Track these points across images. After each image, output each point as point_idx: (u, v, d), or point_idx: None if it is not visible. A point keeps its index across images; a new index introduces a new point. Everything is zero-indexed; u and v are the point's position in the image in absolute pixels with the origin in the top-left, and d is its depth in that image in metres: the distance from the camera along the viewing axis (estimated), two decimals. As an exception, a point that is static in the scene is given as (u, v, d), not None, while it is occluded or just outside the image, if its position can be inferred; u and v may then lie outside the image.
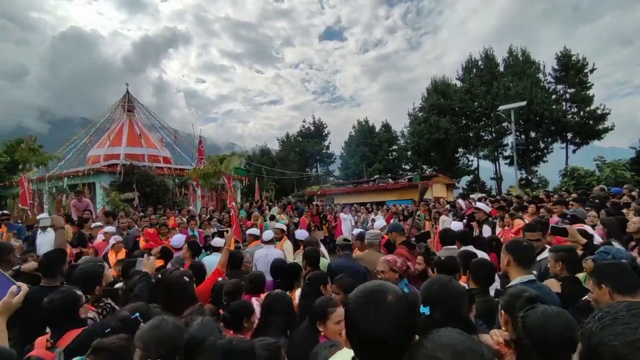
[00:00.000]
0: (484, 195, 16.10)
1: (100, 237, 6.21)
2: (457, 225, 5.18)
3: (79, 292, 2.18)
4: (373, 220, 9.63)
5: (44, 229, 5.49)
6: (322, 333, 2.09)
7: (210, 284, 3.28)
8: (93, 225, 6.90)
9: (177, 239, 5.20)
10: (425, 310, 1.37)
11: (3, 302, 1.60)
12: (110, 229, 6.21)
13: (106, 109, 19.85)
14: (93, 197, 13.22)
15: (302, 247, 4.55)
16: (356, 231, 5.34)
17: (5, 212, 8.03)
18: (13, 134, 27.99)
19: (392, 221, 10.15)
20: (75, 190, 10.26)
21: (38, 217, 5.92)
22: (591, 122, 27.94)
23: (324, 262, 4.03)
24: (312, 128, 43.77)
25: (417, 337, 0.91)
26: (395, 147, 39.36)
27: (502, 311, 1.64)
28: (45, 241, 5.25)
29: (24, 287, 1.67)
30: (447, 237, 4.20)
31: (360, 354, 0.95)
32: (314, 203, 14.37)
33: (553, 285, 2.51)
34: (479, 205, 6.84)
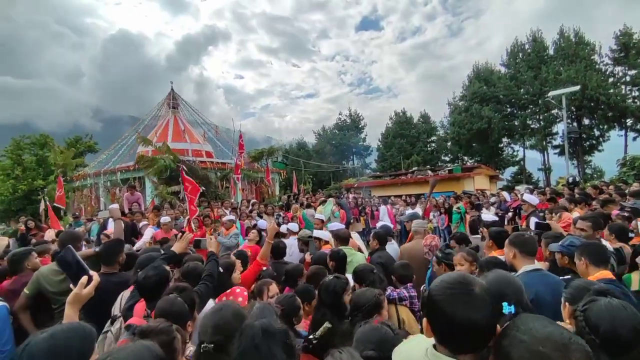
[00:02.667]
0: (529, 187, 15.27)
1: (148, 233, 6.33)
2: (489, 217, 4.98)
3: (169, 268, 2.50)
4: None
5: (113, 218, 5.98)
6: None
7: (252, 274, 3.41)
8: (140, 224, 7.08)
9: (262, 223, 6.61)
10: (511, 309, 1.28)
11: (73, 293, 1.61)
12: (166, 219, 6.52)
13: (151, 106, 20.92)
14: (143, 190, 14.06)
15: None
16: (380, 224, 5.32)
17: (76, 214, 8.92)
18: (70, 132, 30.37)
19: (430, 215, 9.99)
20: (129, 184, 11.00)
21: (109, 207, 6.48)
22: (655, 106, 25.50)
23: (359, 256, 4.00)
24: (349, 120, 43.49)
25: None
26: (434, 138, 38.13)
27: (567, 304, 1.56)
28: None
29: (96, 277, 1.68)
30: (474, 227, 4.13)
31: (449, 341, 1.02)
32: (350, 196, 14.34)
33: None
34: (526, 197, 6.52)
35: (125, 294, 2.66)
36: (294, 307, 2.24)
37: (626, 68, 26.85)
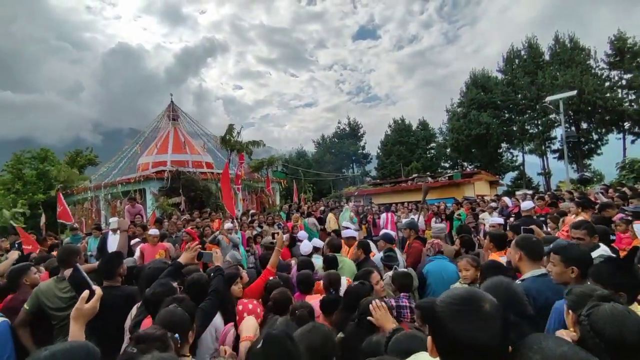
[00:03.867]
0: (528, 192, 15.25)
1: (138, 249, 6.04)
2: (496, 220, 5.00)
3: (175, 284, 2.54)
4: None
5: (114, 231, 5.95)
6: None
7: (262, 283, 3.42)
8: (132, 242, 6.53)
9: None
10: None
11: (75, 309, 1.58)
12: (154, 231, 6.22)
13: (151, 118, 21.05)
14: (144, 202, 14.06)
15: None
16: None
17: (75, 226, 8.91)
18: (70, 146, 30.47)
19: (432, 221, 9.97)
20: (129, 197, 11.01)
21: (109, 221, 6.42)
22: (652, 109, 25.61)
23: (348, 262, 4.15)
24: (347, 129, 43.66)
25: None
26: (433, 144, 38.26)
27: (570, 311, 1.56)
28: (114, 242, 5.64)
29: (98, 291, 1.65)
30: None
31: None
32: (351, 204, 14.34)
33: None
34: (523, 205, 6.58)
35: (136, 307, 2.65)
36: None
37: (622, 72, 27.08)
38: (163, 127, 19.68)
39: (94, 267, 3.44)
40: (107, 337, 2.68)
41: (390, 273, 3.45)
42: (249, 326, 2.63)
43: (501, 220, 4.96)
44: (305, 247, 4.71)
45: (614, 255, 2.85)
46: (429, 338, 0.98)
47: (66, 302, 2.97)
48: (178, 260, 2.99)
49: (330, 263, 3.85)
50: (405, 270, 3.38)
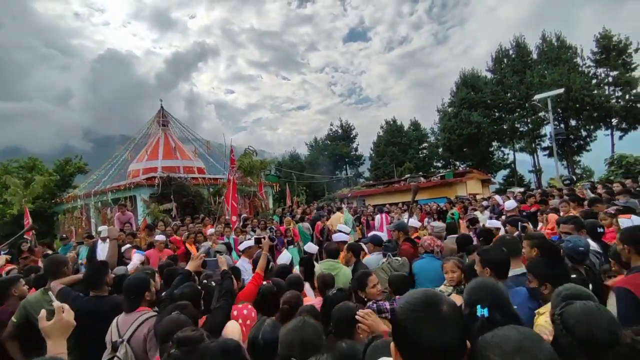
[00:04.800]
0: (520, 190, 15.40)
1: (136, 257, 5.88)
2: (494, 224, 4.99)
3: (199, 287, 2.73)
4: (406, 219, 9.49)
5: (104, 239, 5.88)
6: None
7: (255, 288, 3.41)
8: (123, 248, 6.37)
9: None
10: (483, 311, 1.38)
11: (53, 322, 1.53)
12: (161, 237, 6.49)
13: (143, 125, 20.86)
14: (134, 209, 13.90)
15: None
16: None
17: (64, 235, 8.78)
18: (61, 154, 30.06)
19: (425, 221, 9.99)
20: (119, 204, 10.86)
21: (99, 229, 6.34)
22: (638, 105, 26.01)
23: (344, 270, 4.05)
24: (340, 131, 43.76)
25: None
26: (425, 144, 38.55)
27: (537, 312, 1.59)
28: (104, 251, 5.58)
29: (66, 307, 1.59)
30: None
31: None
32: (343, 206, 14.34)
33: None
34: (506, 205, 6.70)
35: (121, 318, 2.58)
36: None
37: (608, 69, 27.50)
38: (153, 133, 19.51)
39: (79, 278, 3.37)
40: (93, 347, 2.64)
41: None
42: (233, 330, 2.61)
43: (499, 224, 4.96)
44: (283, 258, 4.56)
45: (600, 250, 2.91)
46: (392, 343, 0.98)
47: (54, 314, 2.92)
48: (186, 268, 3.15)
49: (307, 266, 3.91)
50: (403, 273, 3.36)
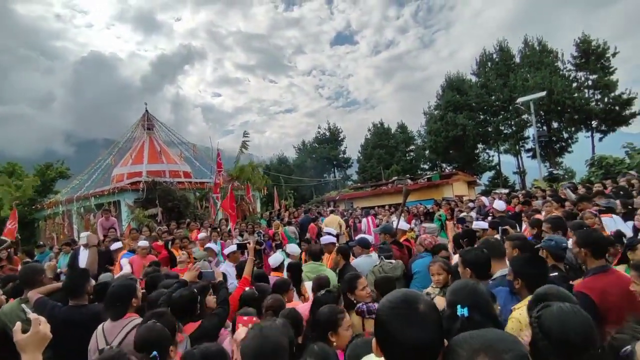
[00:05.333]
0: (504, 191, 15.65)
1: (125, 260, 5.97)
2: (481, 225, 5.03)
3: (196, 291, 2.76)
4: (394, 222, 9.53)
5: (85, 246, 5.71)
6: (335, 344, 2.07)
7: (238, 293, 3.41)
8: (113, 247, 6.56)
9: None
10: (463, 311, 1.42)
11: (30, 335, 1.47)
12: (143, 243, 6.26)
13: (127, 128, 20.49)
14: (119, 214, 13.62)
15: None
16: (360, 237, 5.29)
17: (41, 243, 8.49)
18: (42, 158, 29.31)
19: (412, 223, 10.06)
20: (103, 209, 10.61)
21: (81, 235, 6.16)
22: (617, 108, 26.79)
23: (329, 272, 4.08)
24: (328, 134, 43.83)
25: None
26: (412, 147, 38.93)
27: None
28: (85, 258, 5.43)
29: (42, 319, 1.53)
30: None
31: None
32: (329, 209, 14.35)
33: None
34: (495, 204, 6.84)
35: (107, 325, 2.50)
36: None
37: (587, 73, 28.26)
38: (138, 136, 19.18)
39: (57, 286, 3.26)
40: (72, 357, 2.55)
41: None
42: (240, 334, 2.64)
43: (485, 225, 5.01)
44: (274, 259, 4.55)
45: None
46: (374, 340, 1.03)
47: (31, 324, 2.81)
48: (183, 278, 3.24)
49: (294, 271, 3.93)
50: (390, 276, 3.37)
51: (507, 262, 2.71)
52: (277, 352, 1.45)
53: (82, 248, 5.99)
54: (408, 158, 37.94)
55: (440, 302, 2.51)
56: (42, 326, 1.51)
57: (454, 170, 27.90)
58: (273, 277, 4.35)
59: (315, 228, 9.79)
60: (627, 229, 3.91)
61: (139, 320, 2.48)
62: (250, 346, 1.44)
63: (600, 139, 28.57)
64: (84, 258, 5.69)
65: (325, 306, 2.29)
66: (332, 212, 11.61)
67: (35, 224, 18.09)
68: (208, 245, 6.56)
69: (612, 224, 3.95)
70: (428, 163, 37.28)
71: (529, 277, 2.11)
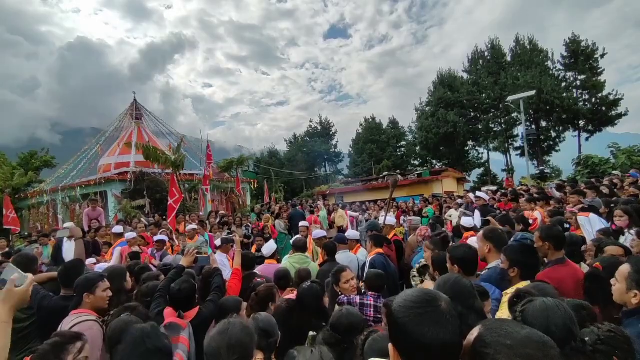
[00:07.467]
0: (492, 188, 15.83)
1: (118, 249, 5.87)
2: (468, 221, 5.06)
3: (195, 282, 2.81)
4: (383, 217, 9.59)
5: (70, 238, 5.58)
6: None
7: (237, 283, 3.51)
8: (114, 230, 6.77)
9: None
10: None
11: (5, 290, 1.52)
12: (131, 235, 6.22)
13: (115, 117, 20.07)
14: (105, 205, 13.39)
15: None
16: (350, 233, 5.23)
17: (26, 233, 8.29)
18: (27, 147, 28.59)
19: (401, 218, 10.11)
20: (90, 199, 10.38)
21: (64, 226, 6.04)
22: (603, 108, 27.34)
23: (313, 265, 4.27)
24: (319, 128, 43.76)
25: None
26: (403, 143, 39.15)
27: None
28: (70, 250, 5.33)
29: (30, 276, 1.61)
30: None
31: None
32: (317, 203, 14.32)
33: None
34: (479, 193, 7.23)
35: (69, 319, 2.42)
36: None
37: (576, 73, 28.70)
38: (126, 126, 18.79)
39: (53, 275, 3.18)
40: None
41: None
42: None
43: (472, 222, 5.05)
44: (267, 248, 4.60)
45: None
46: (390, 345, 0.96)
47: (25, 313, 2.77)
48: (180, 263, 3.25)
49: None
50: (379, 271, 3.37)
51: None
52: (248, 342, 1.53)
53: (65, 240, 5.86)
54: (399, 154, 38.14)
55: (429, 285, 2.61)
56: (25, 287, 1.55)
57: (444, 166, 28.11)
58: (268, 264, 4.39)
59: (317, 219, 9.84)
60: (598, 227, 3.93)
61: (83, 317, 2.42)
62: (218, 341, 1.51)
63: (587, 139, 29.13)
64: (67, 250, 5.58)
65: (263, 285, 2.64)
66: (342, 208, 11.77)
67: (19, 214, 17.69)
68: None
69: (586, 222, 4.06)
70: (419, 159, 37.52)
71: (525, 266, 2.26)
